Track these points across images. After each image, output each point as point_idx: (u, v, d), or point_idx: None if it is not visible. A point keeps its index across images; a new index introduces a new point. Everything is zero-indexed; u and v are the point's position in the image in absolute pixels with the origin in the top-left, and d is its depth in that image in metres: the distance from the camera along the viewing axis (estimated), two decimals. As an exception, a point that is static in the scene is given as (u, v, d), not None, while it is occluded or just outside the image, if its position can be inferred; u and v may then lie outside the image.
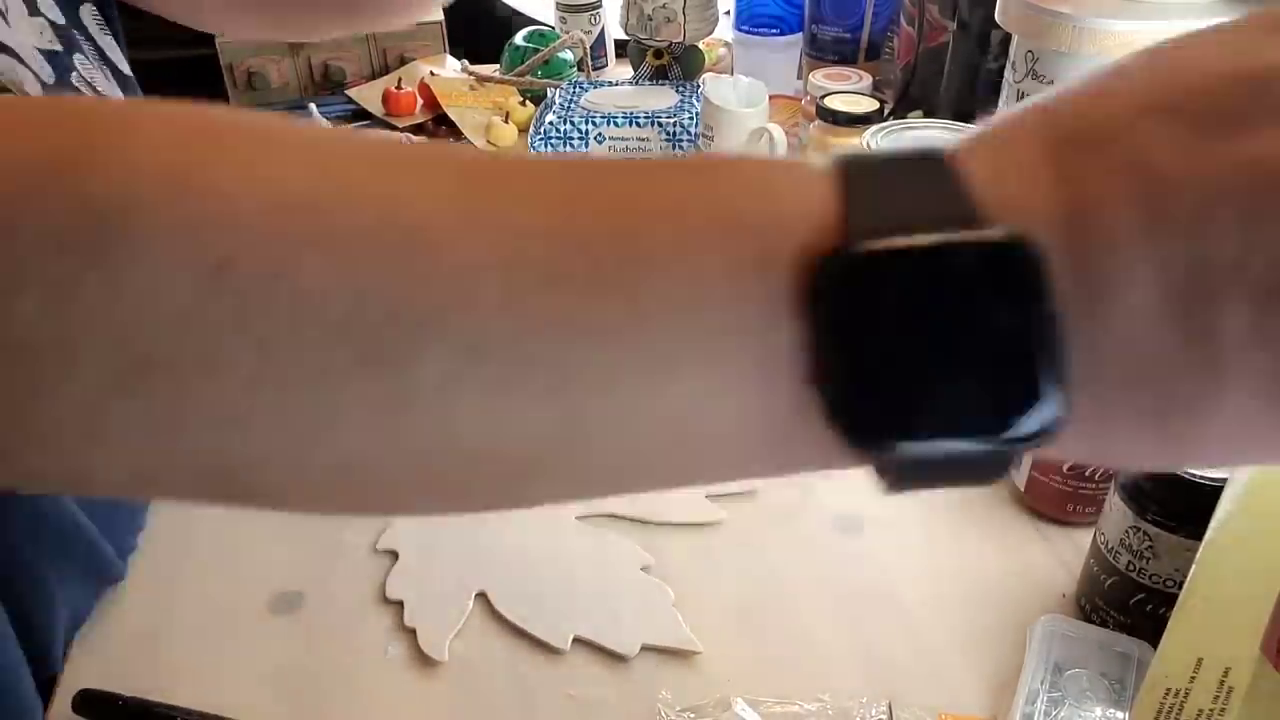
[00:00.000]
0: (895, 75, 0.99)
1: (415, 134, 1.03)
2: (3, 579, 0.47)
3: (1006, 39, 0.78)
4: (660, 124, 0.94)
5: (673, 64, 1.02)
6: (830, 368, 0.19)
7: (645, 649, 0.53)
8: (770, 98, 0.90)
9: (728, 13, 1.10)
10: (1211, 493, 0.46)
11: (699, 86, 0.98)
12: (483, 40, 1.16)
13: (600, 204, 0.20)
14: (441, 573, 0.57)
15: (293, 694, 0.51)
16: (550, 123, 0.94)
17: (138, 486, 0.23)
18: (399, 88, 1.05)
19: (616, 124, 0.94)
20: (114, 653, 0.53)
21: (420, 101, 1.05)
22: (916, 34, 0.92)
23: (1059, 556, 0.59)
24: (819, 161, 0.20)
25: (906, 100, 0.94)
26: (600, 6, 1.13)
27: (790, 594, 0.57)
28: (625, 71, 1.09)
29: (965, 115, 0.85)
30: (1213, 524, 0.43)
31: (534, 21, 1.20)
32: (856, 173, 0.20)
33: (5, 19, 0.45)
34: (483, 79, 1.08)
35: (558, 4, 1.13)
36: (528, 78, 1.07)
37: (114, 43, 0.54)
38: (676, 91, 0.99)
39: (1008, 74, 0.77)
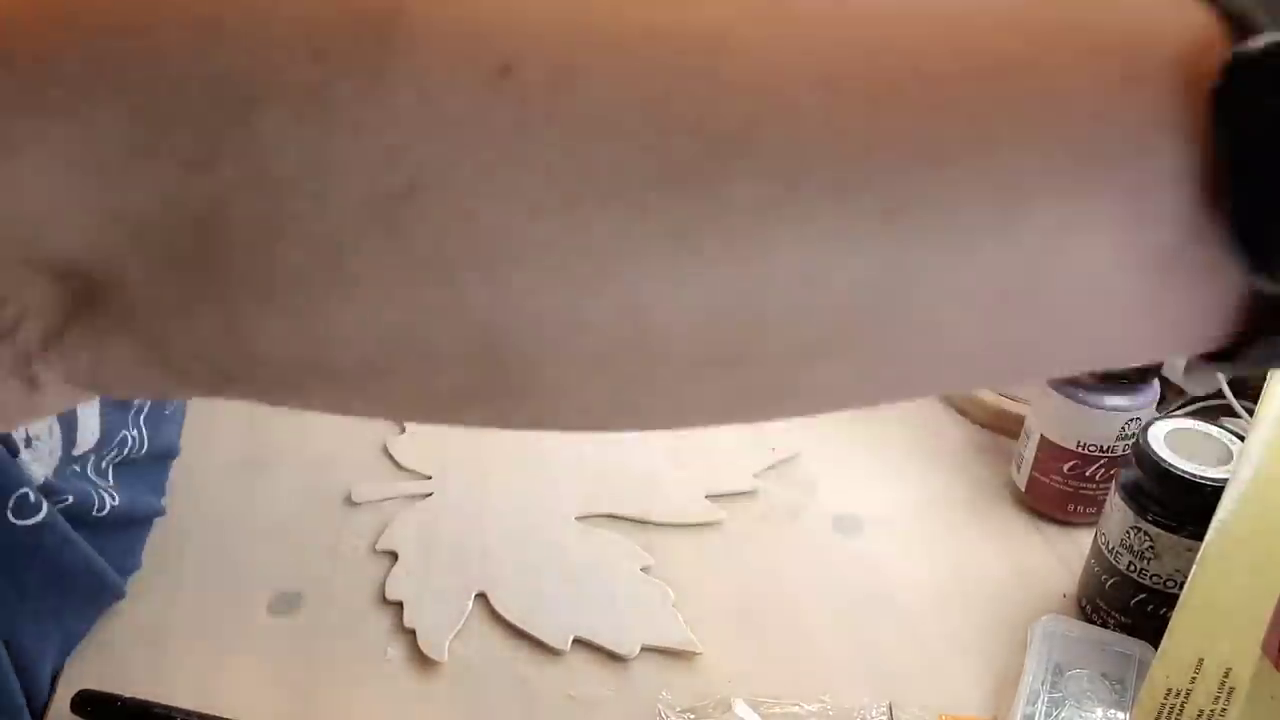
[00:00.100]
0: None
1: None
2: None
3: None
4: None
5: None
6: (1238, 187, 0.16)
7: (645, 649, 0.53)
8: None
9: None
10: (1212, 493, 0.46)
11: None
12: None
13: (928, 18, 0.17)
14: (441, 573, 0.57)
15: (293, 694, 0.51)
16: None
17: (383, 361, 0.18)
18: None
19: None
20: (114, 653, 0.53)
21: None
22: None
23: (1059, 556, 0.59)
24: None
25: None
26: None
27: (790, 594, 0.57)
28: None
29: None
30: (1213, 524, 0.43)
31: None
32: None
33: None
34: None
35: None
36: None
37: None
38: None
39: None
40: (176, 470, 0.64)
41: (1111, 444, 0.59)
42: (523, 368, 0.17)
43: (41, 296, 0.17)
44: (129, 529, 0.57)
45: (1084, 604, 0.55)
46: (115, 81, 0.16)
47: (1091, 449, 0.59)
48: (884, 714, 0.49)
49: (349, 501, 0.63)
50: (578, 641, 0.53)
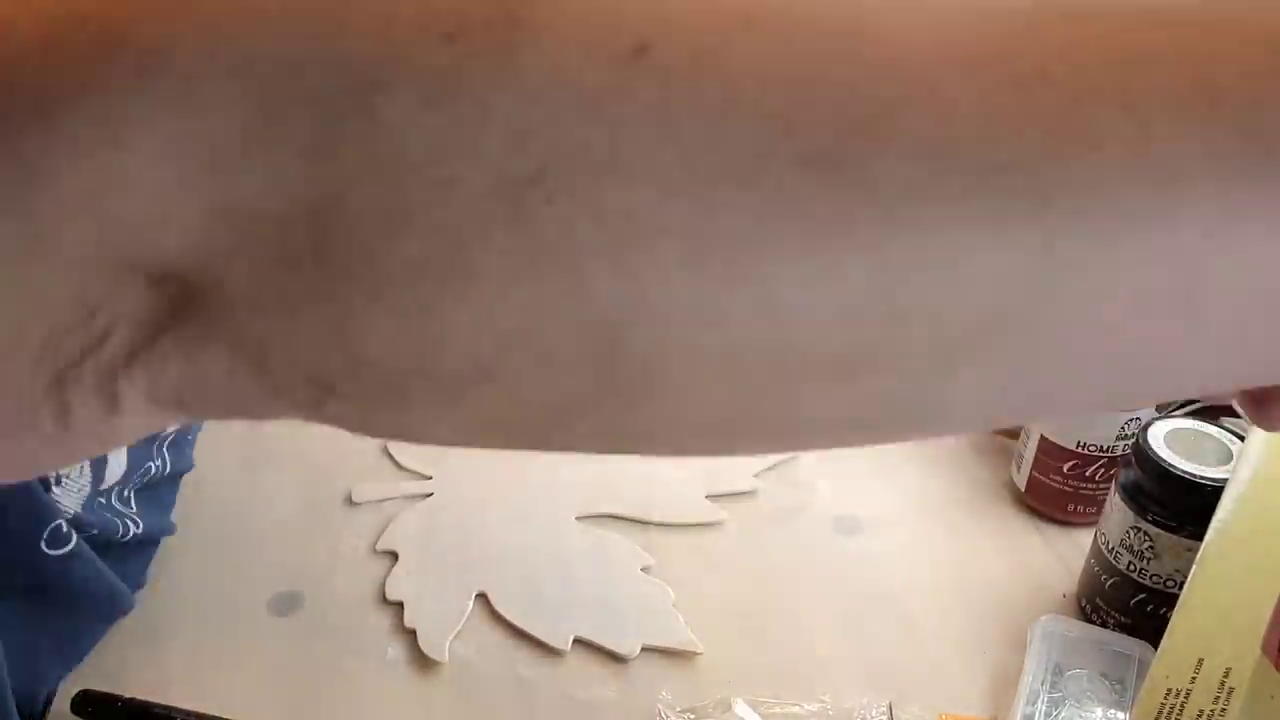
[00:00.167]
0: None
1: None
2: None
3: None
4: None
5: None
6: None
7: (645, 650, 0.53)
8: None
9: None
10: (1212, 493, 0.46)
11: None
12: None
13: (1063, 9, 0.16)
14: (441, 573, 0.57)
15: (293, 694, 0.51)
16: None
17: (495, 363, 0.17)
18: None
19: None
20: (114, 653, 0.53)
21: None
22: None
23: (1059, 556, 0.59)
24: None
25: None
26: None
27: (790, 594, 0.57)
28: None
29: None
30: (1213, 524, 0.43)
31: None
32: None
33: None
34: None
35: None
36: None
37: None
38: None
39: None
40: (176, 470, 0.64)
41: (1111, 444, 0.59)
42: (643, 369, 0.16)
43: (133, 304, 0.17)
44: (143, 548, 0.57)
45: (1084, 604, 0.55)
46: (232, 68, 0.15)
47: (1091, 449, 0.59)
48: (884, 714, 0.49)
49: (349, 501, 0.63)
50: (578, 641, 0.53)
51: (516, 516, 0.62)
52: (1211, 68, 0.15)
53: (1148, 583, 0.51)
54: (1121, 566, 0.52)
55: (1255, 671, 0.35)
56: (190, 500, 0.62)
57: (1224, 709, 0.41)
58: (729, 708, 0.50)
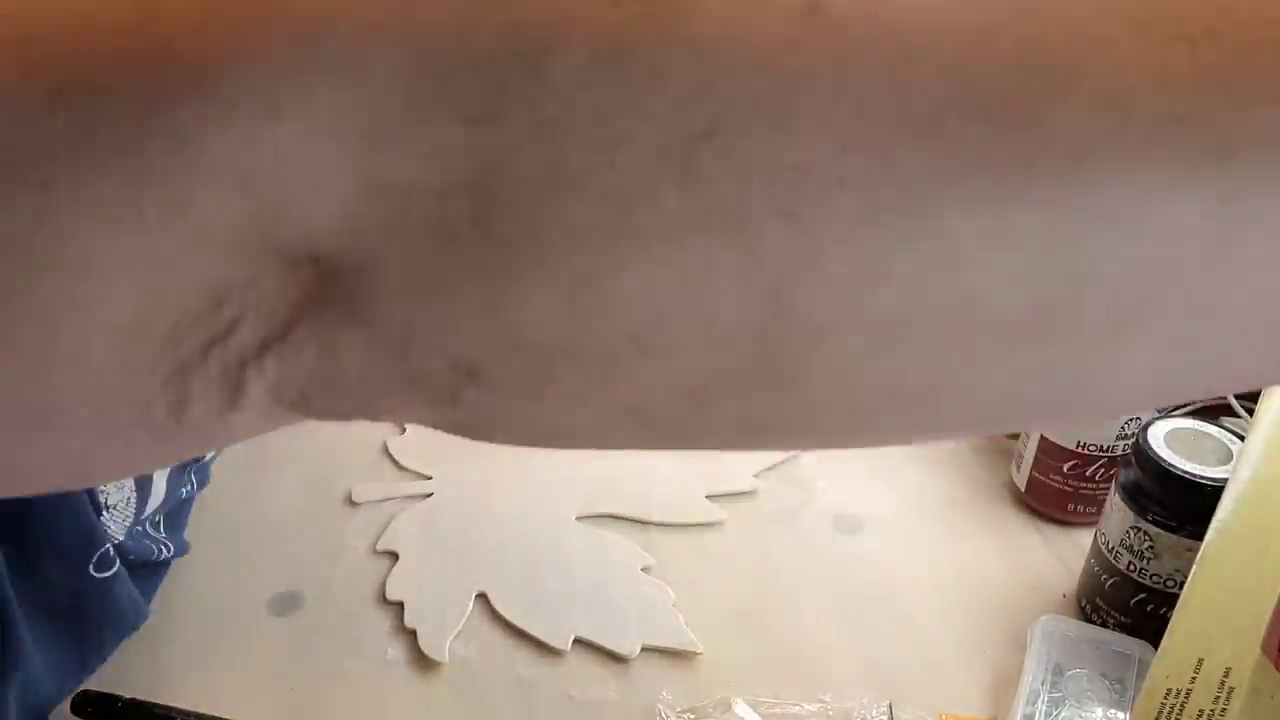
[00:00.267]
0: None
1: None
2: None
3: None
4: None
5: None
6: None
7: (646, 650, 0.53)
8: None
9: None
10: (1211, 493, 0.46)
11: None
12: None
13: None
14: (441, 573, 0.57)
15: (293, 694, 0.51)
16: None
17: (652, 335, 0.16)
18: None
19: None
20: (114, 653, 0.53)
21: None
22: None
23: (1059, 556, 0.59)
24: None
25: None
26: None
27: (790, 594, 0.57)
28: None
29: None
30: (1213, 524, 0.43)
31: None
32: None
33: None
34: None
35: None
36: None
37: None
38: None
39: None
40: (176, 470, 0.64)
41: (1111, 444, 0.59)
42: (806, 336, 0.16)
43: (268, 291, 0.16)
44: (160, 567, 0.57)
45: (1084, 604, 0.55)
46: (396, 36, 0.15)
47: (1091, 449, 0.59)
48: (884, 714, 0.50)
49: (349, 501, 0.63)
50: (578, 641, 0.53)
51: (516, 516, 0.62)
52: None
53: (1148, 583, 0.51)
54: (1121, 566, 0.52)
55: (1255, 671, 0.35)
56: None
57: (1224, 709, 0.41)
58: (729, 708, 0.50)
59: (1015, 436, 0.65)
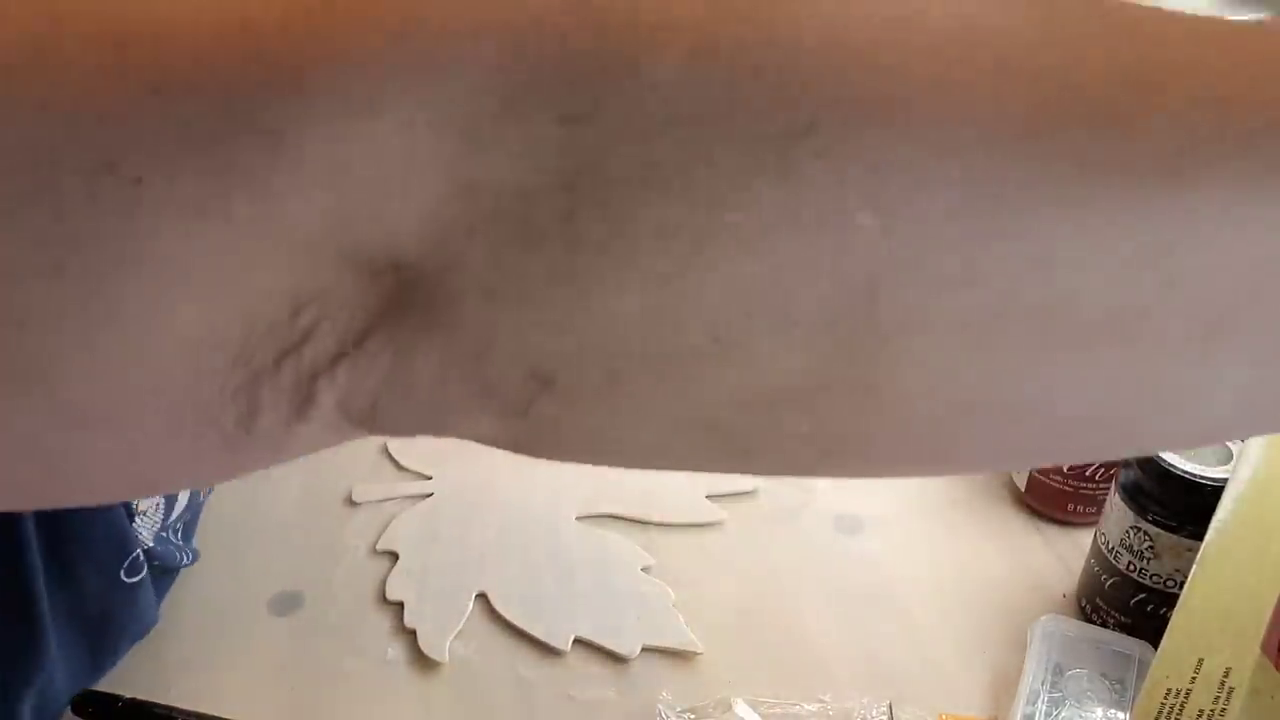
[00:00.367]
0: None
1: None
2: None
3: None
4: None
5: None
6: None
7: (646, 650, 0.53)
8: None
9: None
10: (1212, 493, 0.46)
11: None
12: None
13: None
14: (441, 573, 0.57)
15: (293, 694, 0.51)
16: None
17: (734, 333, 0.16)
18: None
19: None
20: (114, 653, 0.53)
21: None
22: None
23: (1059, 556, 0.59)
24: None
25: None
26: None
27: (790, 594, 0.57)
28: None
29: None
30: (1213, 524, 0.43)
31: None
32: None
33: None
34: None
35: None
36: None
37: None
38: None
39: None
40: (176, 470, 0.64)
41: (1111, 444, 0.58)
42: (890, 337, 0.16)
43: (346, 298, 0.16)
44: (174, 573, 0.58)
45: (1084, 604, 0.55)
46: (494, 34, 0.15)
47: (1091, 449, 0.59)
48: (884, 714, 0.50)
49: (349, 501, 0.63)
50: (578, 641, 0.53)
51: (516, 516, 0.61)
52: None
53: (1148, 583, 0.51)
54: (1121, 566, 0.52)
55: (1255, 671, 0.35)
56: (190, 500, 0.62)
57: (1224, 709, 0.41)
58: (729, 708, 0.50)
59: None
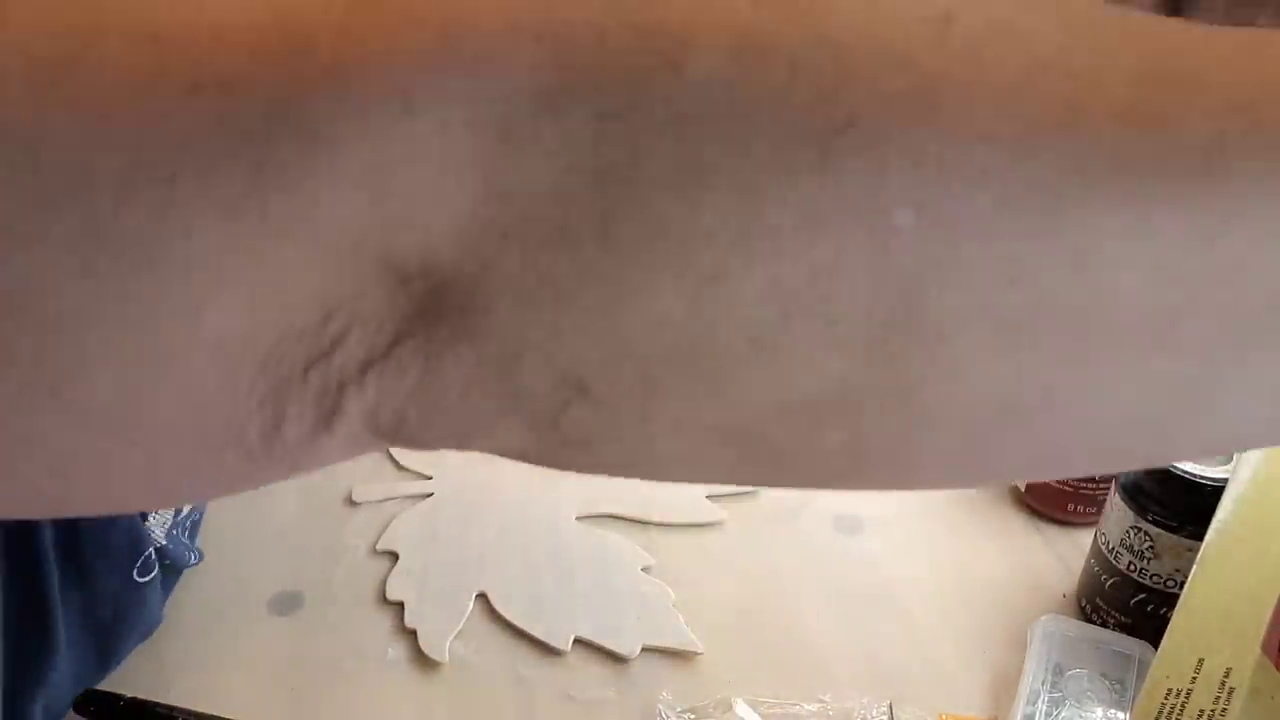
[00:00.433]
0: None
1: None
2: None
3: None
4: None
5: None
6: None
7: (646, 650, 0.53)
8: None
9: None
10: (1212, 493, 0.46)
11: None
12: None
13: None
14: (441, 573, 0.57)
15: (293, 694, 0.51)
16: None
17: (772, 335, 0.16)
18: None
19: None
20: (114, 653, 0.53)
21: None
22: None
23: (1059, 556, 0.59)
24: None
25: None
26: None
27: (790, 594, 0.57)
28: None
29: None
30: (1213, 524, 0.43)
31: None
32: None
33: None
34: None
35: None
36: None
37: None
38: None
39: None
40: (177, 470, 0.64)
41: (1111, 444, 0.58)
42: (928, 338, 0.16)
43: (377, 305, 0.16)
44: (179, 572, 0.58)
45: (1084, 604, 0.55)
46: (535, 34, 0.14)
47: (1091, 449, 0.59)
48: (884, 714, 0.50)
49: (349, 501, 0.63)
50: (578, 641, 0.53)
51: (516, 516, 0.62)
52: None
53: (1148, 583, 0.51)
54: (1121, 566, 0.52)
55: (1255, 671, 0.35)
56: (190, 500, 0.62)
57: (1224, 709, 0.41)
58: (729, 708, 0.50)
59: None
